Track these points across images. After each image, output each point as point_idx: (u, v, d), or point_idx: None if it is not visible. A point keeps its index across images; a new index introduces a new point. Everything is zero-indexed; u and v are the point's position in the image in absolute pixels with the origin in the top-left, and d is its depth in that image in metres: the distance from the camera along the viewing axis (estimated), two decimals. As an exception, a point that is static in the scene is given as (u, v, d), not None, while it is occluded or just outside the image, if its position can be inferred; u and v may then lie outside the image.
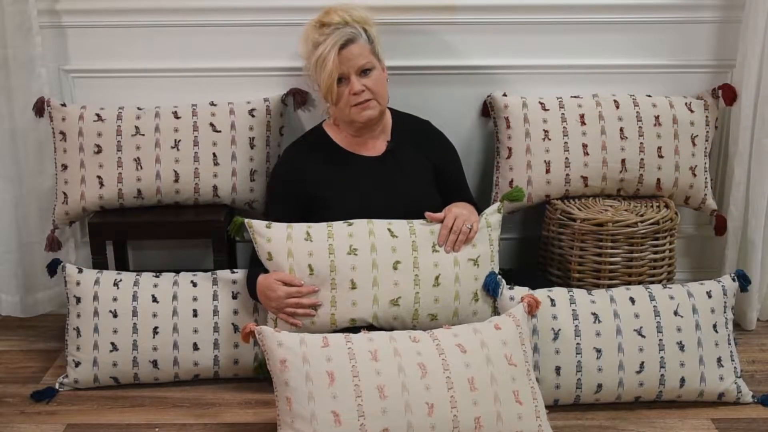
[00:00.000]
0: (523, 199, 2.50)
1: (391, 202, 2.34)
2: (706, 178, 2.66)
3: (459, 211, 2.28)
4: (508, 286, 2.27)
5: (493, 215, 2.33)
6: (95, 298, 2.38)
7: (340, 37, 2.26)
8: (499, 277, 2.28)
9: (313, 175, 2.37)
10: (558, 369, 2.21)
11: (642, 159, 2.59)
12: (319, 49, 2.27)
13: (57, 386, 2.40)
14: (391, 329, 2.21)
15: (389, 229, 2.25)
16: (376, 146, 2.43)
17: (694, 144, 2.62)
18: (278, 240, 2.23)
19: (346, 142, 2.42)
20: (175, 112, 2.60)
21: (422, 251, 2.24)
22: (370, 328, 2.19)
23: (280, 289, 2.20)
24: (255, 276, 2.28)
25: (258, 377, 2.38)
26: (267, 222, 2.27)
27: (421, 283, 2.22)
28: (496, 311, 2.27)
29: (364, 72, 2.29)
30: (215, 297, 2.40)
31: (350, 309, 2.20)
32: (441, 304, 2.23)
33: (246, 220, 2.27)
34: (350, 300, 2.20)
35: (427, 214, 2.29)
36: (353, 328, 2.17)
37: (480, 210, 2.38)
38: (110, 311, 2.36)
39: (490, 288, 2.26)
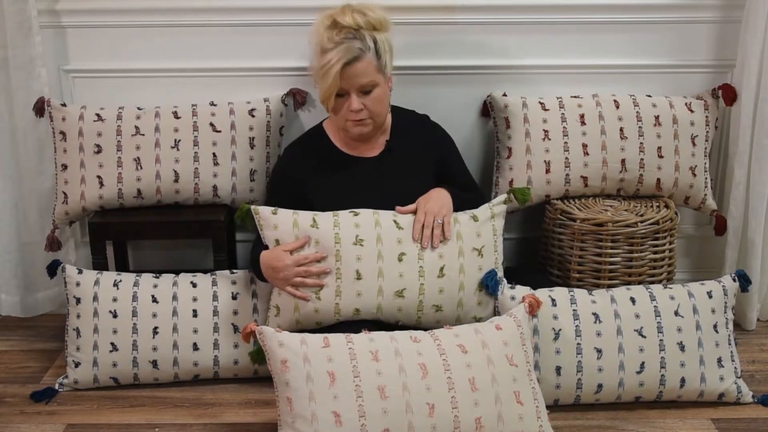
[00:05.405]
0: (528, 200, 2.46)
1: (388, 203, 2.34)
2: (706, 178, 2.66)
3: (430, 207, 2.25)
4: (509, 285, 2.27)
5: (498, 206, 2.33)
6: (95, 298, 2.38)
7: (346, 53, 2.19)
8: (500, 276, 2.28)
9: (311, 178, 2.37)
10: (558, 369, 2.21)
11: (642, 159, 2.59)
12: (325, 57, 2.21)
13: (57, 386, 2.39)
14: (395, 320, 2.22)
15: (395, 221, 2.25)
16: (375, 146, 2.42)
17: (694, 144, 2.62)
18: (284, 227, 2.22)
19: (344, 143, 2.41)
20: (175, 112, 2.60)
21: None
22: (374, 322, 2.20)
23: (287, 258, 2.17)
24: (259, 254, 2.25)
25: (257, 376, 2.38)
26: (273, 208, 2.26)
27: (426, 275, 2.21)
28: (496, 308, 2.27)
29: (365, 91, 2.26)
30: (215, 297, 2.40)
31: (355, 299, 2.20)
32: (445, 295, 2.23)
33: (252, 207, 2.26)
34: (355, 291, 2.19)
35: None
36: (357, 322, 2.18)
37: (482, 200, 2.39)
38: (110, 312, 2.36)
39: (490, 287, 2.25)
